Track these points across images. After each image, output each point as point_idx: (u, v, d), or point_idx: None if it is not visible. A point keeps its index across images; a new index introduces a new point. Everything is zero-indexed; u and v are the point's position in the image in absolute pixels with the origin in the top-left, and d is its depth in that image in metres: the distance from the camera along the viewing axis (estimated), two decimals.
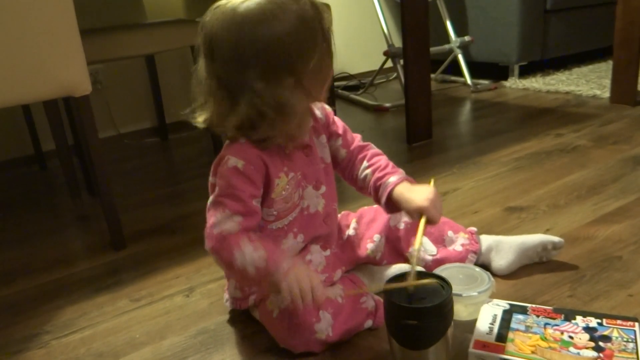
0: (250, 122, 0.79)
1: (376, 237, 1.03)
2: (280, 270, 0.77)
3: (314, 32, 0.77)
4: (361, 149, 0.98)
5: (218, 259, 0.82)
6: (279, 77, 0.76)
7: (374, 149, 0.99)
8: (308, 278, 0.77)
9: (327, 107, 0.97)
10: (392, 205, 0.91)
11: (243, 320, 0.99)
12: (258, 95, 0.76)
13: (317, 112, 0.94)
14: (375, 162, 0.96)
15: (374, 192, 0.94)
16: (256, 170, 0.83)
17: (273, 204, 0.87)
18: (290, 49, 0.75)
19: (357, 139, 1.00)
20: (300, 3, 0.76)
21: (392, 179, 0.91)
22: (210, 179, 0.87)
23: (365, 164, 0.96)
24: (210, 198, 0.84)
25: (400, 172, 0.94)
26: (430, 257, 1.02)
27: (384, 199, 0.91)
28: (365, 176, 0.96)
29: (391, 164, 0.96)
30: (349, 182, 1.00)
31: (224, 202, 0.82)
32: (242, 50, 0.75)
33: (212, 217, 0.82)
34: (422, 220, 0.85)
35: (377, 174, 0.94)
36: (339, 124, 0.98)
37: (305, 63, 0.77)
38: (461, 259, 1.03)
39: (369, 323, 0.90)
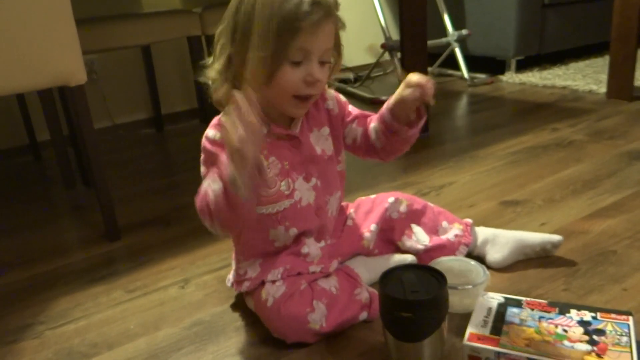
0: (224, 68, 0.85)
1: (373, 226, 1.03)
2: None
3: (265, 29, 0.79)
4: (369, 117, 0.98)
5: (201, 216, 0.81)
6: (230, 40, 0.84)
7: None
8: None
9: (341, 97, 0.98)
10: (397, 111, 0.90)
11: (238, 311, 0.99)
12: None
13: (329, 104, 0.95)
14: (377, 115, 0.95)
15: (386, 129, 0.92)
16: None
17: None
18: (241, 22, 0.82)
19: (368, 114, 0.99)
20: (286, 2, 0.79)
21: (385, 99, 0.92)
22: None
23: (373, 124, 0.96)
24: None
25: None
26: (422, 247, 1.03)
27: (390, 119, 0.91)
28: (374, 128, 0.95)
29: None
30: (372, 153, 0.98)
31: (205, 172, 0.85)
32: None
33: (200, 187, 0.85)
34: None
35: (379, 115, 0.94)
36: (353, 109, 0.99)
37: (242, 44, 0.83)
38: (452, 249, 1.03)
39: (364, 315, 0.90)
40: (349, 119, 0.98)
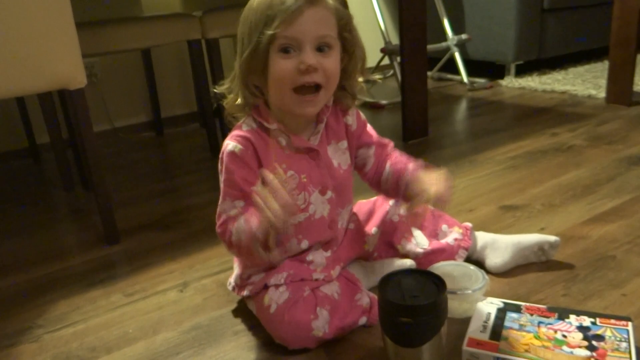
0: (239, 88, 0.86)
1: (374, 230, 1.03)
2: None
3: (248, 26, 0.82)
4: (388, 155, 0.98)
5: (223, 242, 0.86)
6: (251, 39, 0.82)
7: (397, 152, 0.99)
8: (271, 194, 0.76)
9: (362, 115, 0.99)
10: (409, 194, 0.91)
11: (237, 315, 0.99)
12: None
13: (349, 119, 0.95)
14: (396, 161, 0.96)
15: (396, 186, 0.94)
16: (253, 157, 0.86)
17: None
18: (249, 22, 0.82)
19: (389, 143, 1.00)
20: None
21: (410, 167, 0.93)
22: (219, 166, 0.90)
23: (388, 163, 0.97)
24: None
25: (418, 164, 0.94)
26: (421, 250, 1.03)
27: (403, 189, 0.92)
28: (388, 173, 0.96)
29: (411, 160, 0.96)
30: (375, 186, 0.99)
31: (226, 190, 0.86)
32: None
33: (219, 205, 0.87)
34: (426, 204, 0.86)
35: (398, 167, 0.94)
36: (372, 132, 0.99)
37: (241, 47, 0.84)
38: (452, 253, 1.03)
39: (363, 320, 0.90)
40: (365, 141, 0.98)
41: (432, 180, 0.86)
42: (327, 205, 0.93)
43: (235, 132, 0.88)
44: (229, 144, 0.86)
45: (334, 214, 0.94)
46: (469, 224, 1.08)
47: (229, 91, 0.89)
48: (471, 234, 1.06)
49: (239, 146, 0.85)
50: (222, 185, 0.87)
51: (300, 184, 0.89)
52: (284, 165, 0.87)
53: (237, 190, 0.85)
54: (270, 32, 0.78)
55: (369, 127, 0.99)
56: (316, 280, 0.91)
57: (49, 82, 1.20)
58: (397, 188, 0.93)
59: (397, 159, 0.97)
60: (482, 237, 1.07)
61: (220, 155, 0.88)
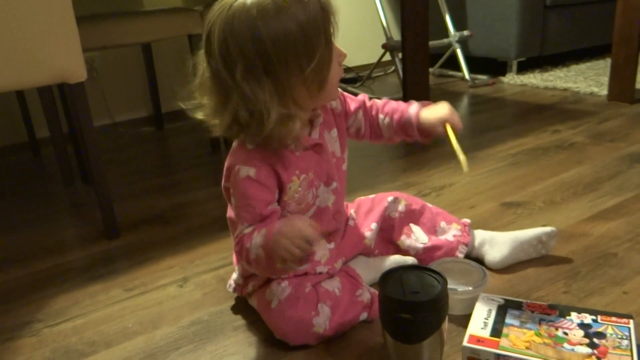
0: (238, 124, 0.79)
1: (373, 225, 1.03)
2: (274, 235, 0.76)
3: (307, 40, 0.75)
4: (371, 107, 0.99)
5: (243, 261, 0.85)
6: (258, 79, 0.75)
7: (381, 101, 1.00)
8: (295, 229, 0.75)
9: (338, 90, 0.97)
10: (424, 132, 0.94)
11: (237, 311, 0.99)
12: (242, 96, 0.75)
13: (332, 103, 0.94)
14: (388, 110, 0.97)
15: (403, 132, 0.96)
16: (269, 175, 0.83)
17: (285, 206, 0.87)
18: (271, 53, 0.74)
19: (364, 98, 0.99)
20: (304, 4, 0.74)
21: (412, 110, 0.94)
22: (224, 183, 0.88)
23: (381, 116, 0.98)
24: (232, 207, 0.87)
25: (414, 102, 0.96)
26: (421, 246, 1.03)
27: (416, 132, 0.94)
28: (388, 124, 0.97)
29: (401, 102, 0.98)
30: (377, 140, 1.00)
31: (243, 215, 0.83)
32: (229, 46, 0.75)
33: (238, 229, 0.84)
34: (448, 128, 0.92)
35: (396, 116, 0.96)
36: (350, 99, 0.98)
37: (287, 69, 0.75)
38: (451, 249, 1.03)
39: (364, 315, 0.90)
40: (352, 110, 0.98)
41: (441, 111, 0.91)
42: (332, 196, 0.93)
43: (241, 154, 0.84)
44: (241, 168, 0.82)
45: (339, 205, 0.94)
46: (467, 220, 1.08)
47: (213, 115, 0.81)
48: (469, 230, 1.06)
49: (253, 169, 0.82)
50: (236, 210, 0.84)
51: (309, 182, 0.89)
52: (297, 171, 0.86)
53: (256, 215, 0.82)
54: (332, 37, 0.78)
55: (347, 95, 0.98)
56: (319, 273, 0.91)
57: (49, 75, 1.20)
58: (406, 132, 0.96)
59: (389, 109, 0.97)
60: (480, 235, 1.06)
61: (230, 178, 0.84)
